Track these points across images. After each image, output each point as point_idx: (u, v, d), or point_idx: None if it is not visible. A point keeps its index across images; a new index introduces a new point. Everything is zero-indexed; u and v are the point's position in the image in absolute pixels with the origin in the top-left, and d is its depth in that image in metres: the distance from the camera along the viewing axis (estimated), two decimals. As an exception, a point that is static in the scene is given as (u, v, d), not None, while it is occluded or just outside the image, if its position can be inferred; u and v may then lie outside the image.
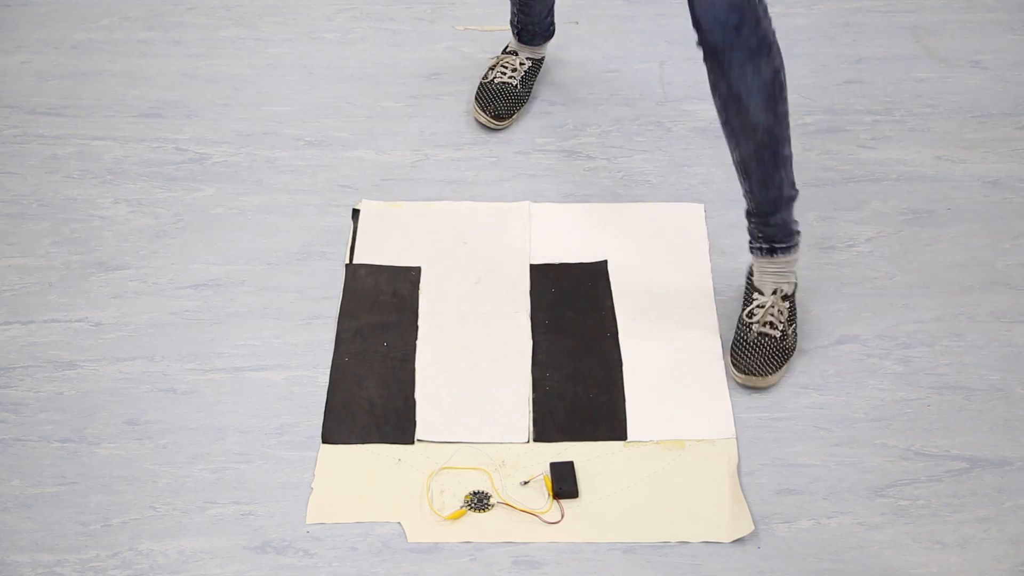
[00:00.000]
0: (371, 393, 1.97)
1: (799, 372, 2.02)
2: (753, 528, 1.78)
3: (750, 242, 2.02)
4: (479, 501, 1.82)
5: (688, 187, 2.32)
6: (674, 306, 2.08)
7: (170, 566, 1.76)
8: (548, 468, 1.85)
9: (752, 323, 2.00)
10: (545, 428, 1.91)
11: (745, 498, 1.81)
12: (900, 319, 2.10)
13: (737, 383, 1.98)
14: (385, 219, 2.28)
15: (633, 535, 1.76)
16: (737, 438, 1.91)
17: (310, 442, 1.91)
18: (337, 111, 2.53)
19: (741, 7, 1.74)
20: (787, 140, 1.90)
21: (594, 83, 2.56)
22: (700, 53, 1.80)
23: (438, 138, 2.45)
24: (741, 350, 1.99)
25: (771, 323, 1.99)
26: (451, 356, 2.03)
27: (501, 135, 2.43)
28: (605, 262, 2.17)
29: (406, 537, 1.78)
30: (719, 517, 1.79)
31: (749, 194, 1.96)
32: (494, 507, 1.81)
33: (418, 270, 2.17)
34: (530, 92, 2.48)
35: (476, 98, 2.45)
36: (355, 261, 2.19)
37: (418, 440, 1.90)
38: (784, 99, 1.86)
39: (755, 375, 1.96)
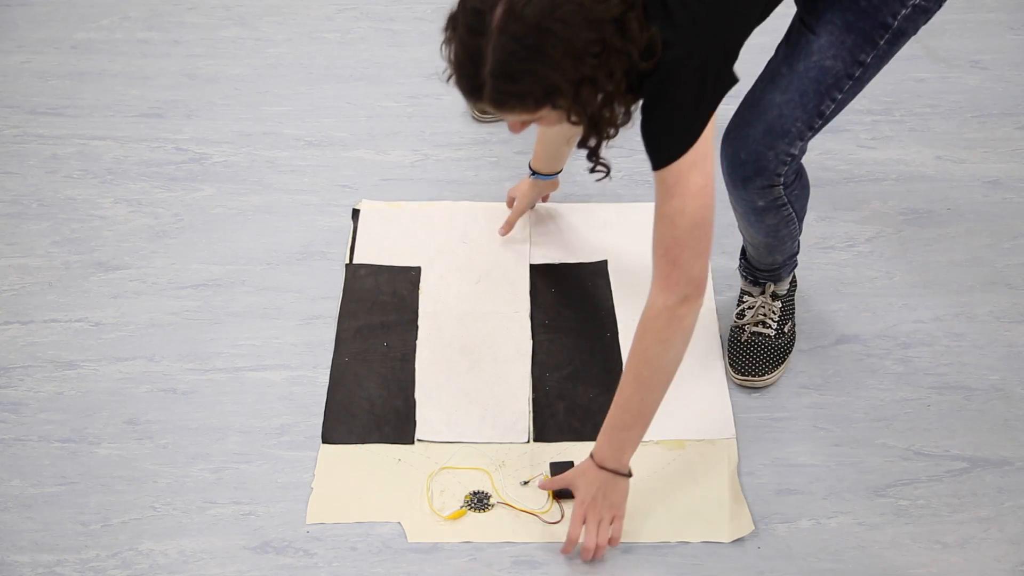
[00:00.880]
0: (371, 393, 1.97)
1: (799, 372, 2.02)
2: (753, 528, 1.78)
3: (738, 265, 2.03)
4: (479, 501, 1.81)
5: (688, 187, 2.32)
6: None
7: (170, 566, 1.76)
8: (548, 468, 1.85)
9: (743, 324, 2.00)
10: (545, 428, 1.91)
11: (745, 498, 1.81)
12: (900, 319, 2.10)
13: (735, 383, 1.98)
14: (385, 219, 2.28)
15: (633, 535, 1.76)
16: (737, 438, 1.91)
17: (310, 442, 1.91)
18: (337, 111, 2.53)
19: (761, 166, 1.66)
20: (793, 239, 1.88)
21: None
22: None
23: (438, 138, 2.45)
24: (736, 351, 1.99)
25: (763, 322, 1.99)
26: (451, 356, 2.02)
27: (501, 135, 2.43)
28: (605, 262, 2.17)
29: (406, 537, 1.78)
30: (719, 517, 1.79)
31: (744, 249, 1.98)
32: (494, 507, 1.81)
33: (418, 270, 2.17)
34: None
35: None
36: (355, 261, 2.19)
37: (418, 440, 1.90)
38: (792, 225, 1.82)
39: (752, 375, 1.97)
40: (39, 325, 2.10)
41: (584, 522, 1.70)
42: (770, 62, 1.66)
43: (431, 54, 2.52)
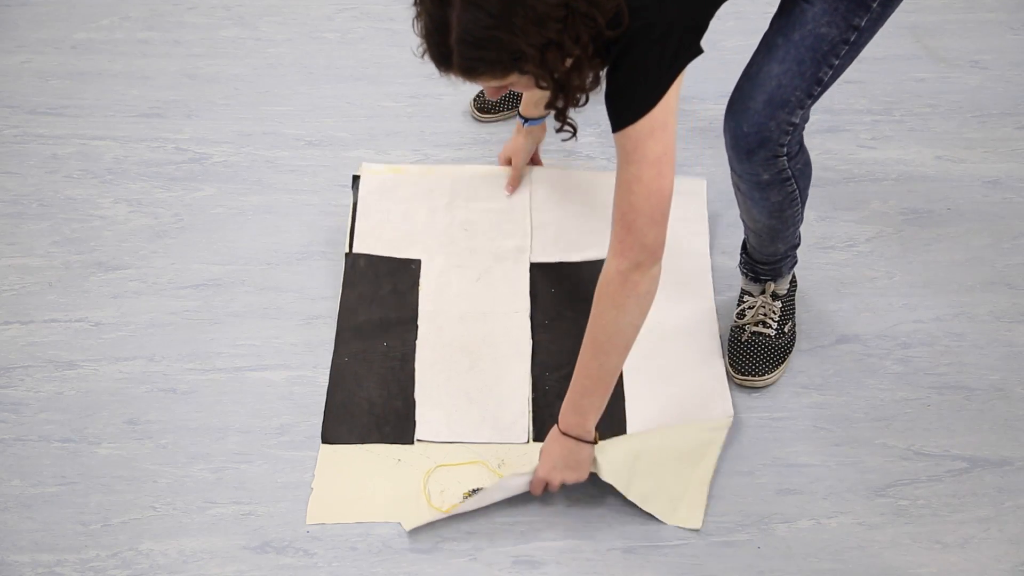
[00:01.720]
0: (371, 393, 1.97)
1: (799, 372, 2.02)
2: (699, 527, 1.79)
3: (739, 262, 2.03)
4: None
5: (688, 187, 2.32)
6: (675, 304, 2.07)
7: (170, 566, 1.76)
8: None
9: (744, 324, 2.00)
10: (544, 428, 1.90)
11: (709, 496, 1.82)
12: (900, 319, 2.10)
13: (735, 383, 1.98)
14: (386, 190, 2.25)
15: (600, 470, 1.77)
16: (736, 438, 1.91)
17: (310, 442, 1.91)
18: (337, 111, 2.53)
19: (764, 137, 1.67)
20: (795, 225, 1.89)
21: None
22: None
23: (438, 138, 2.45)
24: (736, 351, 1.99)
25: (763, 322, 2.00)
26: (451, 356, 2.02)
27: (501, 135, 2.43)
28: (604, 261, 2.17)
29: (406, 536, 1.78)
30: (676, 500, 1.80)
31: (746, 240, 1.97)
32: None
33: (418, 264, 2.16)
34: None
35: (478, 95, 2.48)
36: (355, 247, 2.17)
37: (418, 440, 1.91)
38: (795, 209, 1.83)
39: (752, 375, 1.97)
40: (39, 325, 2.10)
41: (546, 487, 1.78)
42: (766, 34, 1.67)
43: (431, 54, 2.53)
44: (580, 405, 1.71)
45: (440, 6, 1.37)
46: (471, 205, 2.24)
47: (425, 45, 1.43)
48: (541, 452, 1.78)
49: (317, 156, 2.42)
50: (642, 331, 1.65)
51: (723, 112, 1.72)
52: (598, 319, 1.63)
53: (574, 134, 1.58)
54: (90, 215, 2.30)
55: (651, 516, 1.80)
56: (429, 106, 2.51)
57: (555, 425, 1.76)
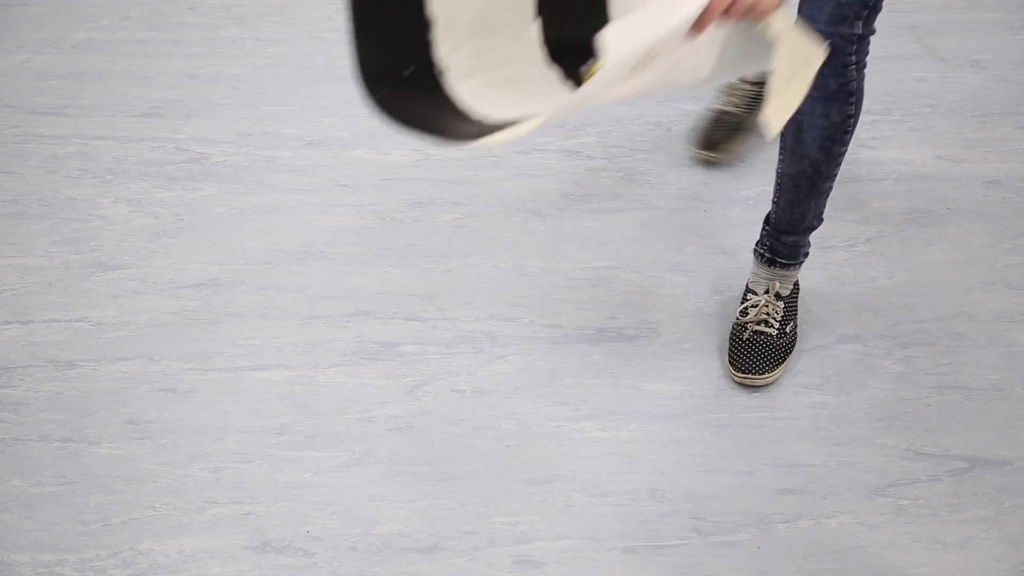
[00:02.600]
0: None
1: (799, 372, 2.02)
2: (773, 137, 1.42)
3: (756, 244, 2.02)
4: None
5: (688, 187, 2.32)
6: None
7: (170, 566, 1.76)
8: None
9: (746, 322, 2.00)
10: None
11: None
12: (900, 319, 2.10)
13: (735, 382, 1.98)
14: None
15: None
16: (736, 438, 1.91)
17: (310, 442, 1.92)
18: (337, 111, 2.53)
19: (832, 45, 1.68)
20: (832, 177, 1.88)
21: (594, 83, 2.56)
22: None
23: (438, 138, 2.45)
24: (737, 349, 1.99)
25: (766, 321, 2.00)
26: None
27: (501, 135, 2.43)
28: None
29: (406, 536, 1.78)
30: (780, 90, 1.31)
31: (775, 204, 1.95)
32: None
33: None
34: None
35: None
36: None
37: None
38: (845, 142, 1.83)
39: (752, 373, 1.97)
40: (39, 325, 2.10)
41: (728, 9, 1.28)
42: None
43: (431, 54, 2.53)
44: None
45: None
46: None
47: None
48: None
49: (317, 156, 2.43)
50: None
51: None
52: None
53: None
54: (90, 215, 2.30)
55: (651, 516, 1.80)
56: (429, 106, 2.51)
57: None
